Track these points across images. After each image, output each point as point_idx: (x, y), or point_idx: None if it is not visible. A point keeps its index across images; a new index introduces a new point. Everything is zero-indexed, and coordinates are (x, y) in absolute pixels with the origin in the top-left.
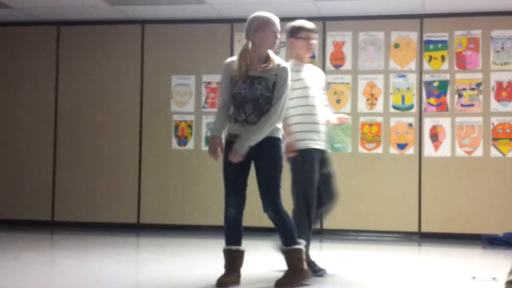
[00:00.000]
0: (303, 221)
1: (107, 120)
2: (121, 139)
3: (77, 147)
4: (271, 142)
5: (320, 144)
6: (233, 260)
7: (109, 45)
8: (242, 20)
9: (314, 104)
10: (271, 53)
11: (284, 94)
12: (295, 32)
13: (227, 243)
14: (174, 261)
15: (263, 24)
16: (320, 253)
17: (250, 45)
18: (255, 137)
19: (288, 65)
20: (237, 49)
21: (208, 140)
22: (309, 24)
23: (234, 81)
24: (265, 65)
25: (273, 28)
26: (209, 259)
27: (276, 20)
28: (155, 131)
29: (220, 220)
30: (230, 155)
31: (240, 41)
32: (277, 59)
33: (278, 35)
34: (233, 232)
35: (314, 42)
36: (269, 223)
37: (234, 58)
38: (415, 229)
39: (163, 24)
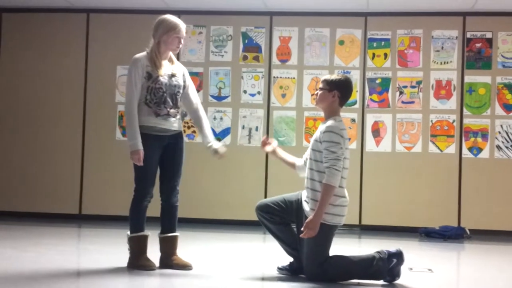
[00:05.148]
0: None
1: (50, 110)
2: (65, 129)
3: (19, 135)
4: None
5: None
6: (145, 244)
7: (53, 33)
8: (190, 12)
9: None
10: (171, 53)
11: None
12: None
13: (140, 230)
14: (116, 251)
15: (169, 29)
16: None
17: (156, 45)
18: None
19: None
20: (184, 40)
21: (132, 151)
22: None
23: (154, 77)
24: (171, 63)
25: (178, 34)
26: (150, 250)
27: (183, 26)
28: (99, 121)
29: (158, 211)
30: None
31: (187, 32)
32: (175, 58)
33: (182, 41)
34: (144, 220)
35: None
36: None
37: (141, 54)
38: (356, 222)
39: (109, 13)
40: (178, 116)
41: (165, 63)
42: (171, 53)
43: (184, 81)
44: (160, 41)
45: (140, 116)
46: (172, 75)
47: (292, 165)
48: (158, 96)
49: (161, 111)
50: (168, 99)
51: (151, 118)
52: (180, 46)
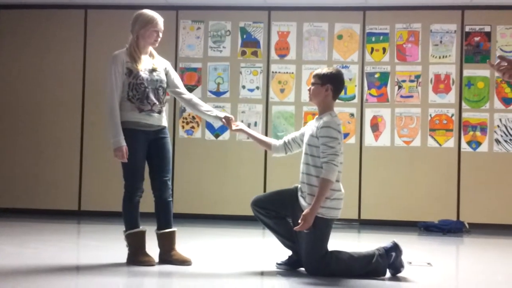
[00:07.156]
0: None
1: (49, 106)
2: (63, 125)
3: (17, 132)
4: None
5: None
6: (143, 240)
7: (51, 30)
8: (189, 7)
9: None
10: (151, 48)
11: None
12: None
13: (136, 226)
14: (115, 247)
15: (146, 23)
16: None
17: (135, 40)
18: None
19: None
20: (182, 36)
21: (115, 148)
22: None
23: (134, 72)
24: (152, 58)
25: (156, 27)
26: (149, 245)
27: (160, 19)
28: (97, 117)
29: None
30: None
31: (185, 28)
32: (155, 53)
33: (160, 34)
34: (138, 216)
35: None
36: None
37: (121, 51)
38: (355, 217)
39: (107, 9)
40: (163, 112)
41: (145, 58)
42: (151, 48)
43: (167, 75)
44: (138, 36)
45: (123, 112)
46: (153, 70)
47: (267, 145)
48: (140, 92)
49: (144, 107)
50: (151, 95)
51: (135, 114)
52: (159, 39)
